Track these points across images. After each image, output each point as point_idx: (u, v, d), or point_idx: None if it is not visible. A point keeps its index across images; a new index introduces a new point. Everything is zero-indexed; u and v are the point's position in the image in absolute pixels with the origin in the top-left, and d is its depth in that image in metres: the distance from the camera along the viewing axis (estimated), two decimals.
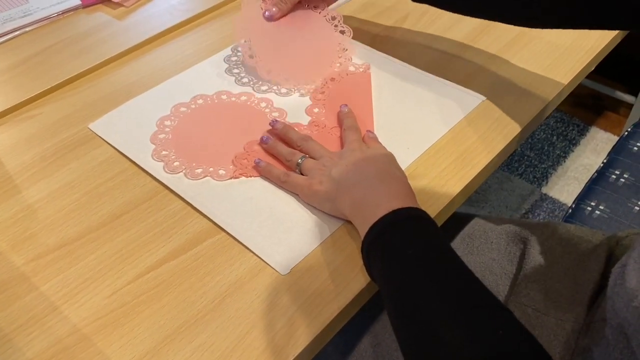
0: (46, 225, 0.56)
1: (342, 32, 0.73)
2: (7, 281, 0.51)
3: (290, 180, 0.57)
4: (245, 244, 0.53)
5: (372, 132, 0.62)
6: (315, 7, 0.75)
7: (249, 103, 0.68)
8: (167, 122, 0.65)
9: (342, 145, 0.61)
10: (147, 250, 0.53)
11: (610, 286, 0.43)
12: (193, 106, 0.68)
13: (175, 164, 0.60)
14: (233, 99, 0.69)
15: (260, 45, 0.71)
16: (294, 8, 0.73)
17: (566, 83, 0.70)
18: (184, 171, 0.59)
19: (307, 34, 0.73)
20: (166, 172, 0.60)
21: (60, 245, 0.54)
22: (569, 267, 0.58)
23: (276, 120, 0.63)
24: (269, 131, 0.63)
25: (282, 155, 0.60)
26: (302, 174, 0.58)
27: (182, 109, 0.67)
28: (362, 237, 0.49)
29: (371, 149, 0.58)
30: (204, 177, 0.59)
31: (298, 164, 0.58)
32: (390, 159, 0.56)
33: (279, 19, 0.72)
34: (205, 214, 0.56)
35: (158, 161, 0.61)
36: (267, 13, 0.72)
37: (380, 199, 0.50)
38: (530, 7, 0.60)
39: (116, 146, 0.63)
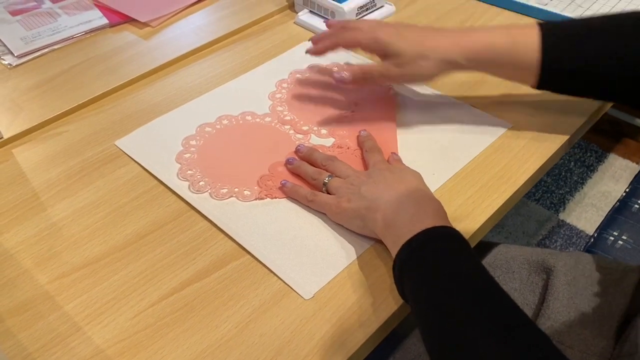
0: (71, 244, 0.56)
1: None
2: (31, 299, 0.51)
3: (318, 199, 0.56)
4: (268, 266, 0.53)
5: (397, 154, 0.62)
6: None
7: (273, 124, 0.68)
8: (193, 142, 0.66)
9: (365, 168, 0.61)
10: (171, 272, 0.53)
11: None
12: (218, 126, 0.68)
13: (201, 183, 0.60)
14: (258, 119, 0.69)
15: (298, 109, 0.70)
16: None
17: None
18: (209, 191, 0.59)
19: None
20: (191, 191, 0.59)
21: (85, 264, 0.54)
22: (593, 299, 0.56)
23: (302, 145, 0.63)
24: (294, 152, 0.63)
25: (308, 175, 0.59)
26: (329, 194, 0.57)
27: (207, 129, 0.67)
28: (394, 255, 0.49)
29: (398, 168, 0.58)
30: (229, 197, 0.59)
31: (325, 183, 0.58)
32: (418, 178, 0.56)
33: (348, 84, 0.66)
34: (230, 234, 0.55)
35: (183, 180, 0.61)
36: (341, 75, 0.65)
37: (413, 217, 0.50)
38: None
39: (142, 163, 0.63)
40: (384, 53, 0.62)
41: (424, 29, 0.63)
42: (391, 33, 0.62)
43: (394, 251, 0.49)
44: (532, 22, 0.60)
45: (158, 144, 0.66)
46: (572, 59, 0.58)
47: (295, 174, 0.61)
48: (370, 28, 0.64)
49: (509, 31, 0.59)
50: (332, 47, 0.67)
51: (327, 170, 0.60)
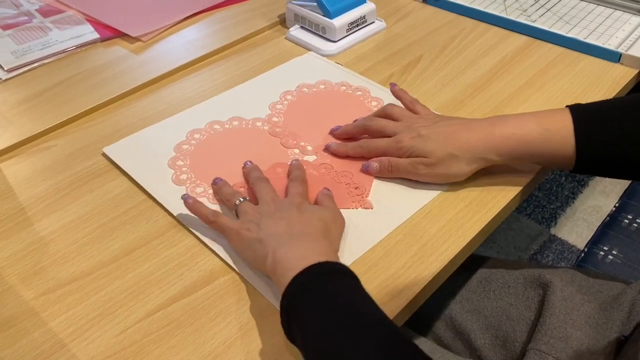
0: (57, 259, 0.55)
1: None
2: (16, 316, 0.50)
3: (219, 221, 0.54)
4: (256, 287, 0.52)
5: (328, 189, 0.59)
6: None
7: (264, 129, 0.69)
8: (185, 147, 0.66)
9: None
10: (158, 288, 0.52)
11: None
12: (211, 132, 0.68)
13: (198, 189, 0.61)
14: (249, 126, 0.69)
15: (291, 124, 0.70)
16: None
17: None
18: (207, 196, 0.60)
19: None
20: (188, 193, 0.60)
21: (71, 280, 0.53)
22: (590, 315, 0.56)
23: (249, 162, 0.62)
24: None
25: (224, 196, 0.58)
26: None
27: (197, 135, 0.68)
28: (282, 292, 0.46)
29: (312, 208, 0.55)
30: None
31: (236, 205, 0.56)
32: (328, 222, 0.53)
33: (374, 175, 0.63)
34: (219, 253, 0.55)
35: (179, 185, 0.61)
36: (369, 164, 0.62)
37: (304, 254, 0.48)
38: None
39: (130, 172, 0.63)
40: (410, 156, 0.60)
41: (451, 124, 0.60)
42: (414, 137, 0.59)
43: (282, 288, 0.47)
44: (562, 107, 0.58)
45: (147, 152, 0.66)
46: (607, 144, 0.55)
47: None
48: (392, 132, 0.62)
49: (541, 120, 0.56)
50: (355, 156, 0.64)
51: (251, 189, 0.59)
